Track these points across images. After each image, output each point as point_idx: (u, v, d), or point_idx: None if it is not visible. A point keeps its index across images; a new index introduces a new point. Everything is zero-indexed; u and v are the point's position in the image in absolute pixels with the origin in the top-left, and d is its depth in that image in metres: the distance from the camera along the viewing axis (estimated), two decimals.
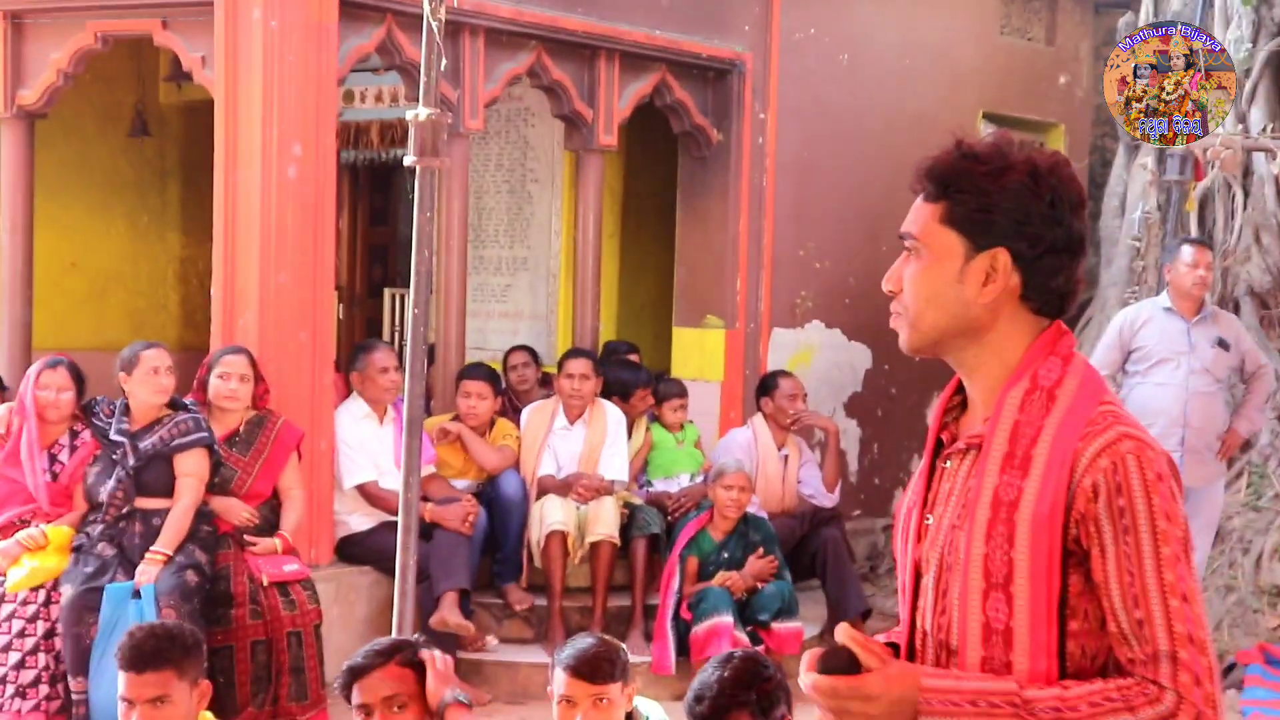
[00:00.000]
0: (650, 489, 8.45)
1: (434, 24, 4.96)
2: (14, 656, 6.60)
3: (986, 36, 11.33)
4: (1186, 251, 8.09)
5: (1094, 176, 12.13)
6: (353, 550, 7.67)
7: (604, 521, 7.87)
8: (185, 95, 10.94)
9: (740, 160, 9.49)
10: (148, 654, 4.19)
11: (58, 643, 6.59)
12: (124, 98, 11.27)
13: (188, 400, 7.14)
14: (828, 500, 8.69)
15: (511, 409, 8.92)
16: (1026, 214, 2.39)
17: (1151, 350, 8.02)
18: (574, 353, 8.52)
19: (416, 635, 3.98)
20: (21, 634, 6.63)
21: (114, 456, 6.85)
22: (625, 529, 7.96)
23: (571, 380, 8.23)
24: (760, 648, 7.34)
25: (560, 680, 4.32)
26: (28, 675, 6.60)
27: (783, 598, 7.65)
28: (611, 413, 8.33)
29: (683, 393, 8.75)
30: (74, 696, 6.53)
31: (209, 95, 7.70)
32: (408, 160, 5.03)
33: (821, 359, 10.07)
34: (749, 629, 7.50)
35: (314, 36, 7.50)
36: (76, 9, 8.02)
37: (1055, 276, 2.42)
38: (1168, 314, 8.07)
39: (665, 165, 10.10)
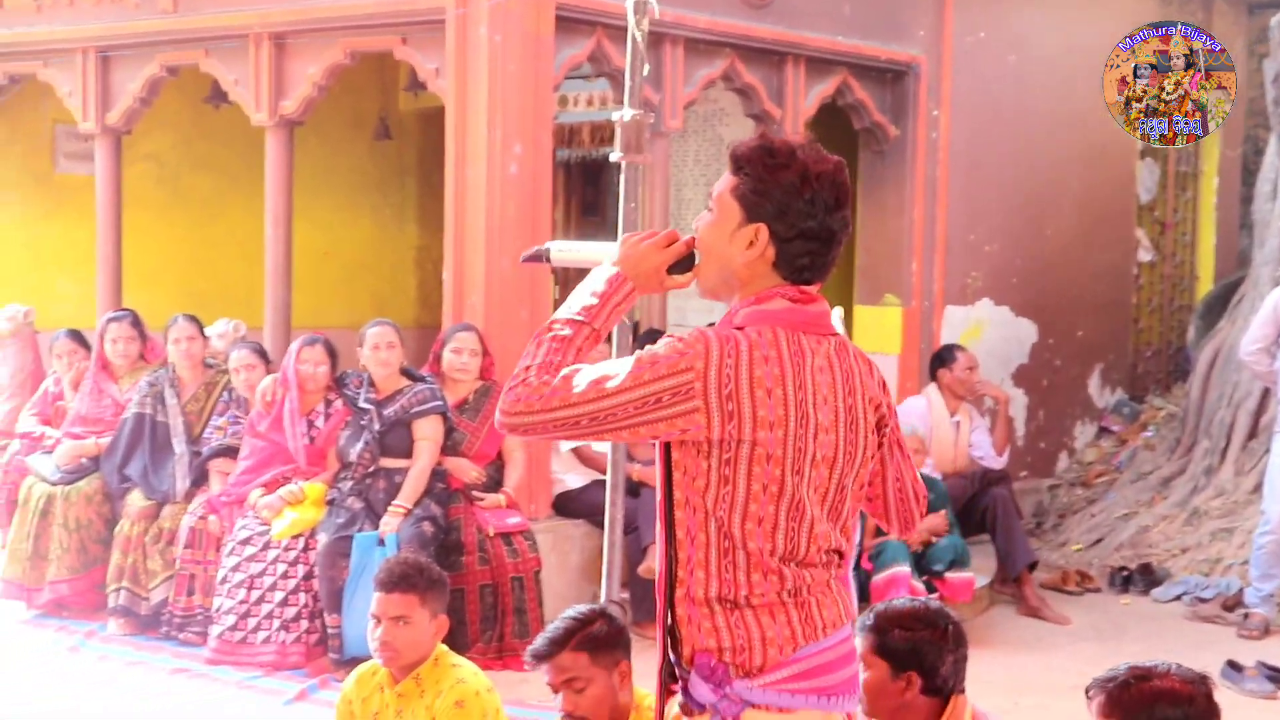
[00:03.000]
0: None
1: (638, 35, 4.93)
2: (279, 595, 6.77)
3: None
4: None
5: (1247, 164, 11.71)
6: (567, 505, 7.72)
7: None
8: (421, 103, 11.09)
9: (915, 153, 9.36)
10: (397, 578, 4.29)
11: (315, 584, 6.75)
12: (369, 106, 11.48)
13: (424, 372, 7.26)
14: (997, 463, 8.55)
15: None
16: (788, 205, 2.66)
17: None
18: None
19: (598, 605, 3.97)
20: (285, 576, 6.80)
21: (362, 423, 6.98)
22: None
23: None
24: (935, 595, 7.25)
25: None
26: (290, 611, 6.77)
27: (955, 550, 7.54)
28: None
29: None
30: (329, 631, 6.68)
31: (442, 102, 7.79)
32: (614, 156, 5.01)
33: (991, 334, 9.89)
34: (924, 578, 7.40)
35: (532, 48, 7.54)
36: (329, 29, 8.17)
37: (802, 257, 2.70)
38: None
39: (846, 159, 9.97)
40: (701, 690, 2.65)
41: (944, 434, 8.45)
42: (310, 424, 7.16)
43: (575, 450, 7.72)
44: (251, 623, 6.73)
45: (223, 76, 8.57)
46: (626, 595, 7.33)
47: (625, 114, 5.01)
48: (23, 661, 6.74)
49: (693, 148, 10.64)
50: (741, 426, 2.58)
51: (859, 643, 3.70)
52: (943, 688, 3.68)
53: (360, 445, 6.94)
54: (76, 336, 8.31)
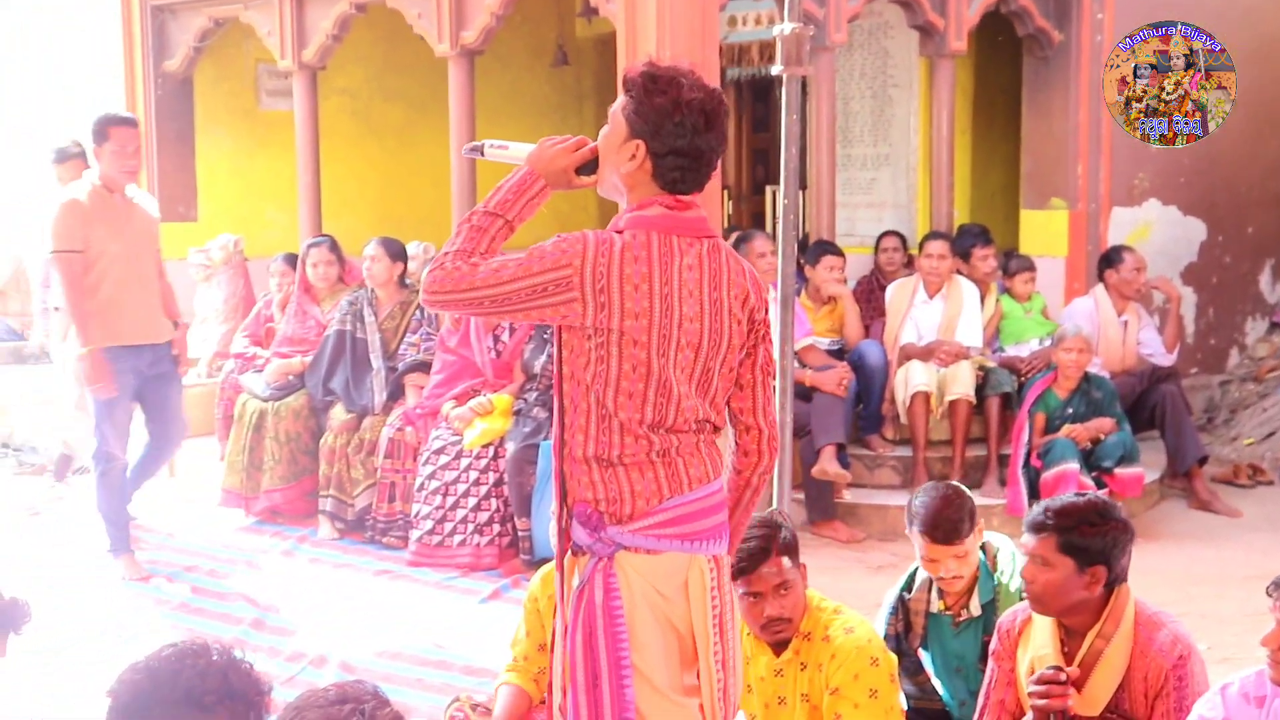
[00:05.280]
0: (1002, 353, 8.15)
1: None
2: (472, 501, 6.82)
3: None
4: None
5: None
6: None
7: (961, 382, 7.64)
8: (595, 29, 10.98)
9: (1080, 57, 8.95)
10: None
11: (505, 490, 6.78)
12: (546, 33, 11.38)
13: None
14: (1166, 360, 8.23)
15: (878, 286, 8.73)
16: (660, 125, 2.95)
17: None
18: (933, 235, 8.25)
19: (766, 513, 3.90)
20: (477, 483, 6.84)
21: (545, 336, 6.97)
22: (980, 388, 7.70)
23: (931, 259, 7.99)
24: (1104, 491, 7.01)
25: (920, 543, 4.19)
26: (483, 516, 6.81)
27: (1124, 446, 7.29)
28: (967, 287, 8.05)
29: (1031, 267, 8.39)
30: (520, 533, 6.72)
31: (615, 28, 7.67)
32: (775, 70, 4.88)
33: (1158, 233, 9.48)
34: (1093, 475, 7.17)
35: None
36: None
37: (674, 171, 2.98)
38: None
39: (1011, 66, 9.63)
40: (579, 533, 2.98)
41: (1112, 334, 8.17)
42: (496, 339, 7.17)
43: None
44: (448, 527, 6.79)
45: (407, 10, 8.54)
46: (801, 496, 7.25)
47: (785, 27, 4.87)
48: (244, 564, 6.89)
49: (858, 61, 10.35)
50: (611, 316, 2.90)
51: (1031, 542, 3.55)
52: (1118, 578, 3.52)
53: (544, 358, 6.92)
54: (291, 260, 8.45)
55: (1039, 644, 3.61)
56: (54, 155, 8.40)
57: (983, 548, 4.31)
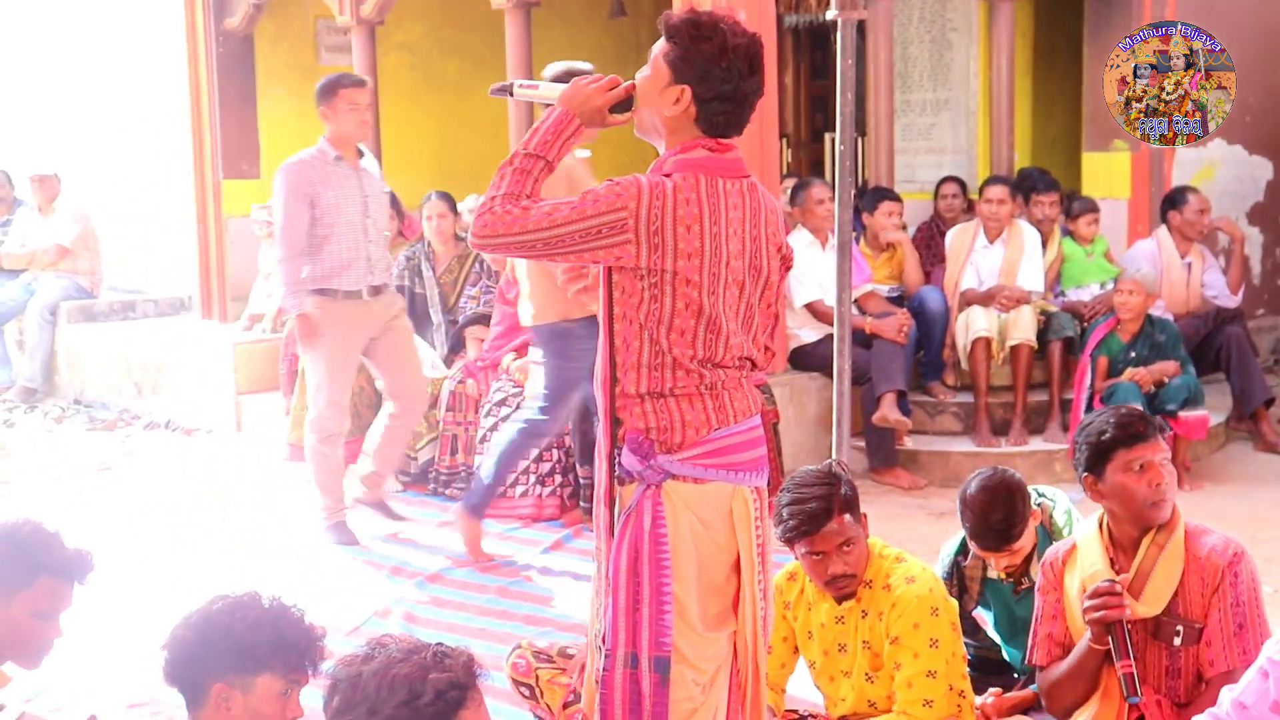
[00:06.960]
0: (1064, 298, 8.00)
1: None
2: (533, 452, 6.76)
3: None
4: None
5: None
6: (803, 359, 7.54)
7: (1023, 327, 7.51)
8: None
9: None
10: None
11: (567, 440, 6.73)
12: None
13: None
14: (1230, 301, 8.06)
15: (938, 232, 8.60)
16: (708, 71, 2.97)
17: None
18: (993, 180, 8.10)
19: (823, 466, 3.81)
20: None
21: None
22: (1042, 333, 7.57)
23: (990, 204, 7.85)
24: (1169, 435, 6.88)
25: (970, 543, 4.14)
26: (545, 467, 6.77)
27: (1189, 389, 7.14)
28: (1028, 231, 7.91)
29: (1094, 209, 8.22)
30: (582, 482, 6.68)
31: None
32: (830, 14, 4.77)
33: (1224, 173, 9.26)
34: (1158, 418, 7.03)
35: None
36: None
37: (719, 115, 3.01)
38: None
39: (1072, 8, 9.41)
40: (631, 460, 3.00)
41: (1175, 276, 8.01)
42: None
43: (809, 306, 7.52)
44: (509, 478, 6.75)
45: None
46: (862, 444, 7.17)
47: None
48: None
49: (917, 5, 10.17)
50: (665, 258, 2.92)
51: (1156, 450, 3.56)
52: None
53: None
54: None
55: (1088, 563, 3.62)
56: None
57: (1038, 508, 4.23)
